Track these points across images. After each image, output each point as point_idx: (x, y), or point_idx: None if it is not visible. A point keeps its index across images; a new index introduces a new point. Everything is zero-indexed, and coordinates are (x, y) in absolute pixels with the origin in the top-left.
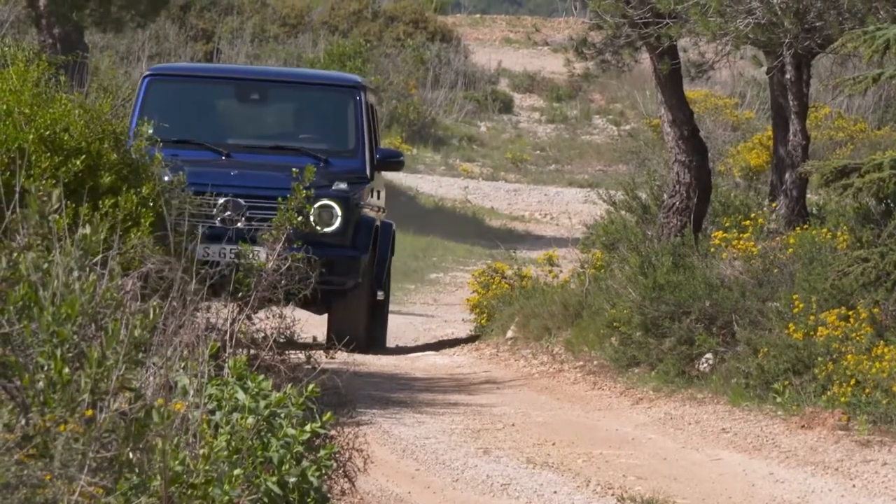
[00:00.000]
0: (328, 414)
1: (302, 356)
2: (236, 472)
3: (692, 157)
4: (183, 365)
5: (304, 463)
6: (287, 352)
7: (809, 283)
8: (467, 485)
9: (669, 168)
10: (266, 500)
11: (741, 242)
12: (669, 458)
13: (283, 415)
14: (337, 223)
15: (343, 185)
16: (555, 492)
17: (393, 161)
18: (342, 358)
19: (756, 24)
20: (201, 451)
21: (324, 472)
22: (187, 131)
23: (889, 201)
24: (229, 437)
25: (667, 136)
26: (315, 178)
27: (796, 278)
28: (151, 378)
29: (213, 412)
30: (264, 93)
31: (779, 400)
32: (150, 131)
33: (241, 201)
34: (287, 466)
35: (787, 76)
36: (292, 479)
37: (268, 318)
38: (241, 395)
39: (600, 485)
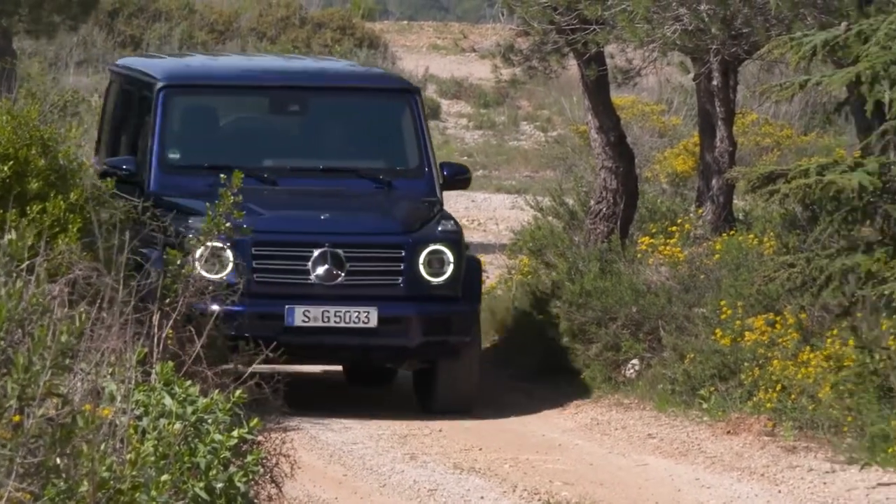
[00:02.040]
0: (255, 420)
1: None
2: (163, 477)
3: (619, 163)
4: (110, 371)
5: (232, 468)
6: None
7: (736, 289)
8: (394, 490)
9: (596, 174)
10: None
11: (668, 248)
12: (596, 463)
13: (210, 420)
14: (449, 271)
15: (450, 224)
16: (482, 497)
17: (461, 178)
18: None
19: (683, 30)
20: (128, 457)
21: (251, 477)
22: (219, 153)
23: (815, 207)
24: (156, 442)
25: (594, 142)
26: (410, 213)
27: (723, 284)
28: (79, 384)
29: (140, 418)
30: (304, 101)
31: (705, 406)
32: (178, 156)
33: (341, 252)
34: (214, 472)
35: (714, 82)
36: (219, 485)
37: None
38: (168, 401)
39: (527, 490)
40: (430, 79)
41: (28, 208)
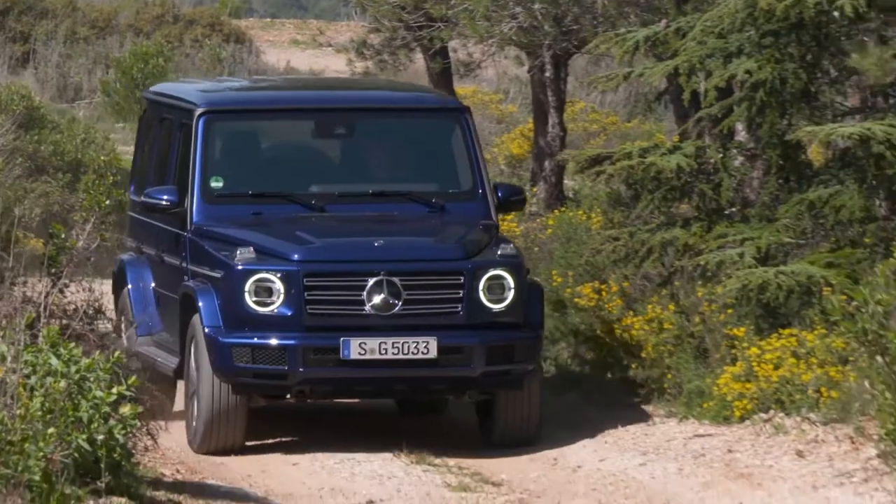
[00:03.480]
0: (133, 378)
1: (110, 327)
2: (50, 430)
3: None
4: (1, 334)
5: (111, 422)
6: (96, 322)
7: (566, 260)
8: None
9: None
10: (77, 455)
11: (505, 224)
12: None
13: (92, 379)
14: (510, 297)
15: (509, 249)
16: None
17: (517, 199)
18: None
19: (519, 27)
20: (18, 412)
21: (129, 430)
22: (263, 180)
23: (637, 186)
24: (43, 399)
25: None
26: (467, 237)
27: (555, 255)
28: None
29: (28, 376)
30: (351, 124)
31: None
32: (220, 185)
33: (397, 281)
34: (96, 425)
35: (547, 74)
36: (100, 437)
37: (79, 291)
38: (54, 361)
39: None
40: (290, 71)
41: None
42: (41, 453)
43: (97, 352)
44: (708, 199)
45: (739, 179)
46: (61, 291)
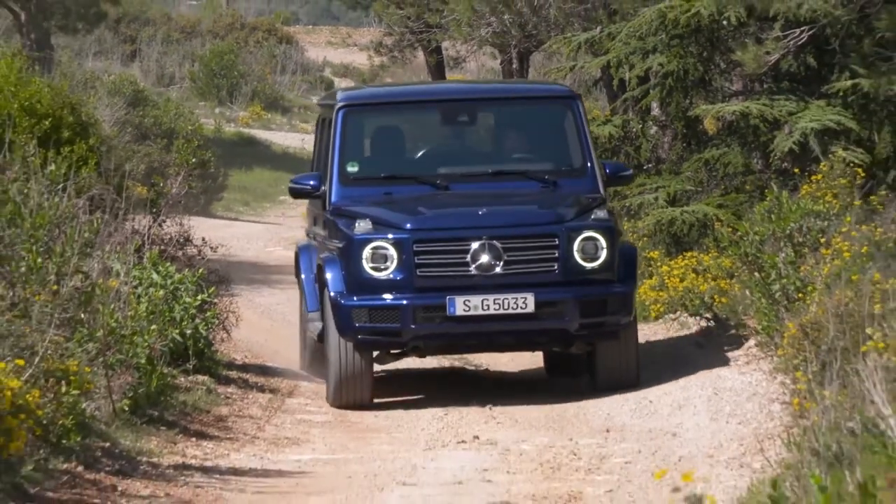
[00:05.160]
0: (212, 288)
1: (196, 251)
2: (152, 327)
3: None
4: (117, 256)
5: (197, 320)
6: (184, 247)
7: None
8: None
9: None
10: (172, 345)
11: None
12: None
13: (182, 289)
14: (603, 256)
15: (602, 213)
16: None
17: (623, 176)
18: (222, 252)
19: (493, 32)
20: (129, 314)
21: (210, 326)
22: (395, 164)
23: None
24: (147, 303)
25: None
26: (565, 205)
27: None
28: (96, 265)
29: (136, 287)
30: (472, 112)
31: None
32: (356, 169)
33: (497, 244)
34: (185, 323)
35: (514, 66)
36: (189, 331)
37: (172, 225)
38: (155, 276)
39: None
40: (326, 64)
41: (61, 149)
42: (146, 343)
43: (186, 269)
44: (631, 157)
45: (654, 143)
46: (160, 225)
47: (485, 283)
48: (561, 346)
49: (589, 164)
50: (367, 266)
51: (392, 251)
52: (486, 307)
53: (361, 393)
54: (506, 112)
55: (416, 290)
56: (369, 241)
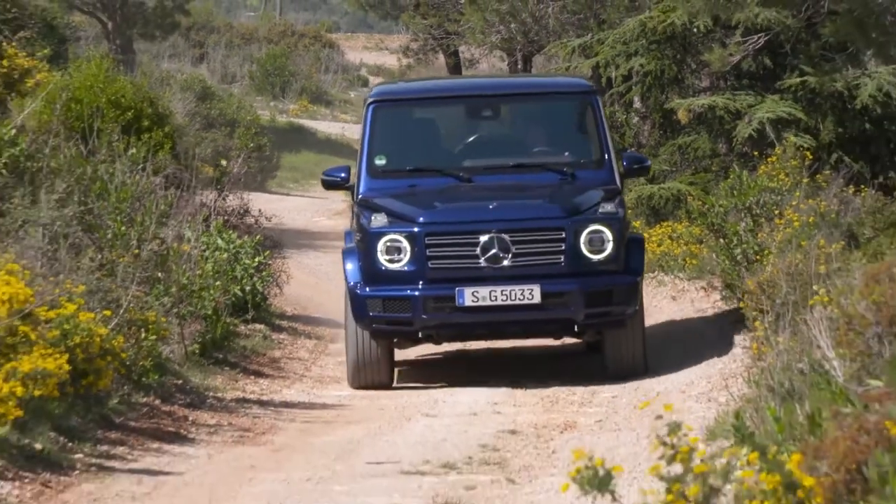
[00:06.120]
0: (267, 252)
1: (253, 220)
2: (217, 283)
3: None
4: (188, 225)
5: (255, 278)
6: (244, 217)
7: None
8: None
9: None
10: (234, 299)
11: None
12: None
13: (242, 252)
14: (609, 248)
15: (609, 207)
16: None
17: (640, 167)
18: (275, 222)
19: (502, 38)
20: (198, 272)
21: (265, 283)
22: (421, 157)
23: None
24: (213, 264)
25: None
26: (574, 198)
27: None
28: (170, 232)
29: (204, 251)
30: (496, 107)
31: None
32: (383, 162)
33: (506, 237)
34: (245, 280)
35: (519, 67)
36: (248, 288)
37: (234, 199)
38: (219, 241)
39: None
40: (362, 65)
41: (141, 136)
42: (212, 298)
43: (245, 236)
44: (617, 142)
45: (636, 131)
46: (224, 199)
47: (493, 275)
48: (569, 335)
49: (606, 157)
50: (381, 258)
51: (405, 244)
52: (493, 298)
53: (379, 376)
54: (528, 106)
55: (428, 282)
56: (384, 233)
